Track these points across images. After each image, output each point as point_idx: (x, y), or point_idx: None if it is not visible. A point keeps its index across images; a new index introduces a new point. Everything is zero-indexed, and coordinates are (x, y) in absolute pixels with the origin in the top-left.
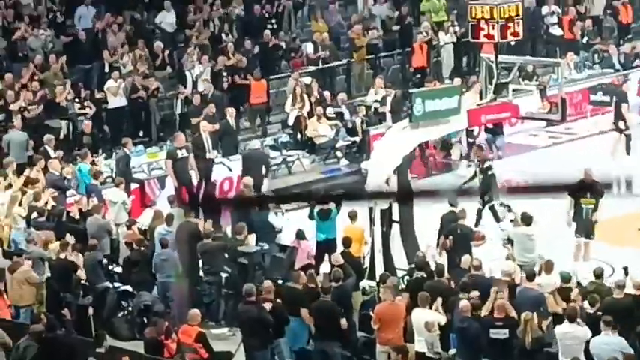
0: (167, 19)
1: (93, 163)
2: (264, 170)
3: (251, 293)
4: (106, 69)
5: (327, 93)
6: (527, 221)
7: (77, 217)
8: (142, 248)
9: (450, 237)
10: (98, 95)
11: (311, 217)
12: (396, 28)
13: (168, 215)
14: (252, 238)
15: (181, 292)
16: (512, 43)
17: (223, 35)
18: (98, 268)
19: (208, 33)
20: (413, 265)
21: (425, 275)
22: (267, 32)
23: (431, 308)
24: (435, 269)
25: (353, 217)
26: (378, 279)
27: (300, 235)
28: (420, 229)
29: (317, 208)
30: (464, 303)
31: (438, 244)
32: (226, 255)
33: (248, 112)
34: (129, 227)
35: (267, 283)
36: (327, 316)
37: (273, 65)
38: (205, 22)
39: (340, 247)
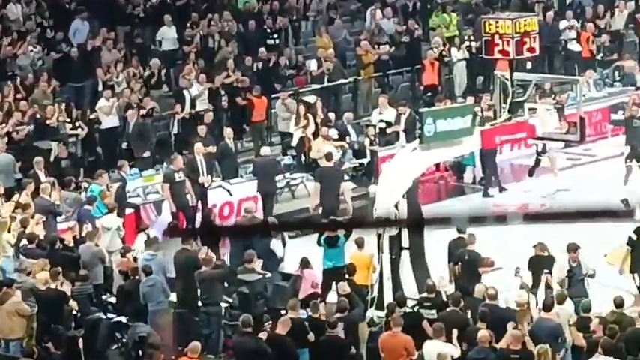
0: (167, 35)
1: (77, 186)
2: (276, 178)
3: (248, 324)
4: (100, 87)
5: (332, 113)
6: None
7: (71, 244)
8: (137, 277)
9: (459, 263)
10: (91, 116)
11: (319, 242)
12: (405, 42)
13: (151, 239)
14: (258, 266)
15: (168, 320)
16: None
17: (223, 52)
18: (88, 300)
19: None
20: (424, 295)
21: (430, 304)
22: (261, 50)
23: (449, 340)
24: (451, 298)
25: (360, 243)
26: (386, 309)
27: (304, 264)
28: (432, 255)
29: (324, 235)
30: (483, 333)
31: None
32: (226, 284)
33: (250, 131)
34: (123, 255)
35: (285, 318)
36: (333, 353)
37: (275, 83)
38: (203, 37)
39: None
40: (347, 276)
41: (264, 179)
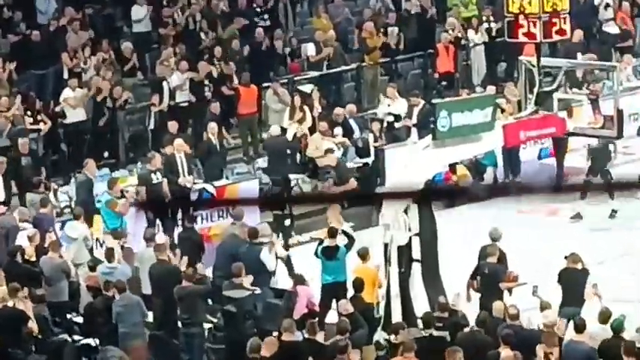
0: (141, 15)
1: (46, 187)
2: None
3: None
4: (65, 75)
5: (339, 108)
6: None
7: (33, 257)
8: (109, 293)
9: (478, 277)
10: (55, 108)
11: (316, 254)
12: (416, 23)
13: (107, 250)
14: (248, 281)
15: (144, 343)
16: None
17: (202, 35)
18: (51, 321)
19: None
20: (436, 314)
21: (442, 325)
22: (258, 30)
23: None
24: (476, 319)
25: (364, 255)
26: (392, 331)
27: (299, 280)
28: (447, 268)
29: (321, 246)
30: (508, 355)
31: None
32: (210, 301)
33: (238, 125)
34: (91, 268)
35: (270, 339)
36: None
37: (266, 70)
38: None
39: (351, 292)
40: (354, 292)
41: (276, 163)
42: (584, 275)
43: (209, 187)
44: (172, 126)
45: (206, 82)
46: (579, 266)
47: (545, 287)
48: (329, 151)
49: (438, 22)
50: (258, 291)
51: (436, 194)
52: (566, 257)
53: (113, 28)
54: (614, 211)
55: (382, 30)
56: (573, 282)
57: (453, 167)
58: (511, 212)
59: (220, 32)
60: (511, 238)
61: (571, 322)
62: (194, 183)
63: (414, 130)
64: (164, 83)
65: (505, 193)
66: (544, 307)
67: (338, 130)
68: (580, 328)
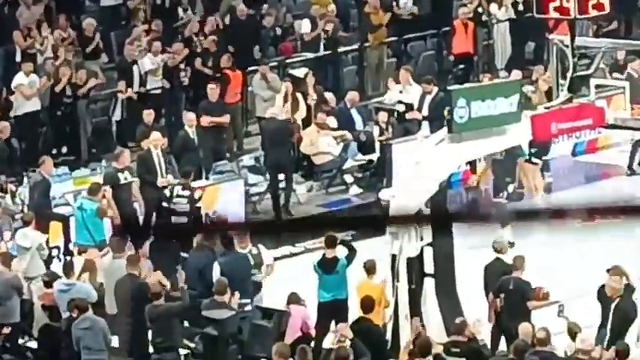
0: None
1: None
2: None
3: None
4: (17, 57)
5: (329, 93)
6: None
7: None
8: (69, 314)
9: (501, 295)
10: (9, 97)
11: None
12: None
13: (66, 263)
14: (235, 301)
15: None
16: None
17: (181, 11)
18: None
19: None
20: (453, 338)
21: (459, 351)
22: (240, 7)
23: None
24: (513, 348)
25: (370, 268)
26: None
27: (292, 297)
28: (465, 284)
29: (318, 258)
30: None
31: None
32: (186, 323)
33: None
34: (47, 283)
35: None
36: None
37: (252, 51)
38: None
39: (353, 312)
40: (362, 313)
41: (275, 148)
42: (629, 292)
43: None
44: (148, 115)
45: (182, 65)
46: (623, 281)
47: (575, 306)
48: (326, 153)
49: None
50: (247, 307)
51: (453, 219)
52: (608, 271)
53: (73, 2)
54: None
55: (389, 4)
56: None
57: (472, 165)
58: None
59: (200, 7)
60: (537, 247)
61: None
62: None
63: (424, 122)
64: (134, 67)
65: (536, 217)
66: (572, 329)
67: (332, 121)
68: (623, 353)
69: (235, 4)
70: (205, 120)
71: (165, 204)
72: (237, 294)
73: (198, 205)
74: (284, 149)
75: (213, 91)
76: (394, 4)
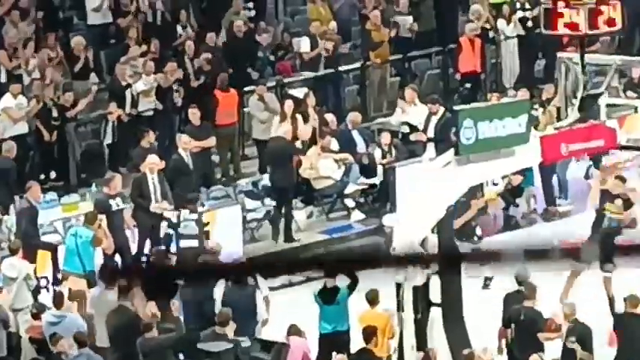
0: (96, 4)
1: None
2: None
3: None
4: (2, 78)
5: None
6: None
7: None
8: (56, 348)
9: (512, 325)
10: None
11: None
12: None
13: (56, 294)
14: (231, 330)
15: None
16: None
17: (179, 28)
18: None
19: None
20: None
21: None
22: (237, 23)
23: None
24: None
25: (372, 298)
26: None
27: (292, 329)
28: (472, 315)
29: (318, 288)
30: None
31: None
32: (181, 356)
33: (216, 138)
34: (35, 315)
35: None
36: None
37: (249, 70)
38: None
39: (355, 343)
40: (363, 344)
41: (276, 169)
42: None
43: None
44: (148, 137)
45: (175, 86)
46: None
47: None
48: (326, 177)
49: (461, 9)
50: (245, 343)
51: (463, 260)
52: (624, 300)
53: (61, 20)
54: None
55: (392, 20)
56: (633, 330)
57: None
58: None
59: (197, 22)
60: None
61: None
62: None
63: (430, 144)
64: (128, 88)
65: (551, 258)
66: None
67: (333, 144)
68: None
69: (241, 20)
70: (192, 144)
71: (171, 230)
72: (233, 325)
73: (206, 228)
74: (286, 171)
75: (194, 115)
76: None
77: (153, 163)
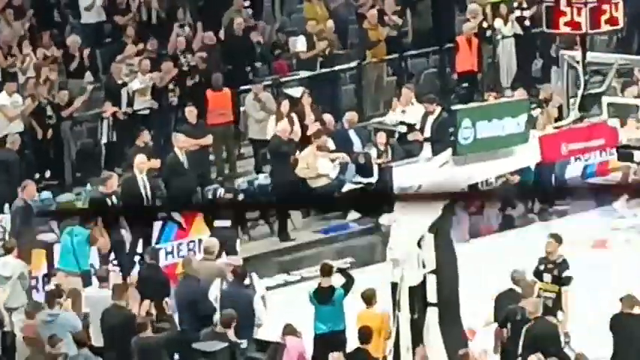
0: (90, 2)
1: None
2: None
3: None
4: None
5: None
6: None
7: None
8: (53, 349)
9: (508, 325)
10: None
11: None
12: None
13: (48, 293)
14: (232, 331)
15: None
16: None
17: (176, 27)
18: None
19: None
20: None
21: None
22: (237, 20)
23: None
24: None
25: (369, 298)
26: None
27: (288, 329)
28: (470, 313)
29: (313, 287)
30: None
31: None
32: (176, 356)
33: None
34: (29, 314)
35: None
36: None
37: (245, 70)
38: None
39: (350, 343)
40: (358, 344)
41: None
42: None
43: (175, 214)
44: (143, 136)
45: (171, 85)
46: (637, 311)
47: (586, 336)
48: (323, 175)
49: (458, 9)
50: (243, 344)
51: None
52: (621, 300)
53: (56, 18)
54: None
55: (388, 19)
56: (629, 330)
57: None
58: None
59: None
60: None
61: None
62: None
63: (426, 144)
64: (124, 87)
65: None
66: None
67: (329, 143)
68: None
69: (237, 18)
70: (189, 142)
71: None
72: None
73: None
74: (285, 169)
75: (191, 113)
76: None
77: (142, 163)
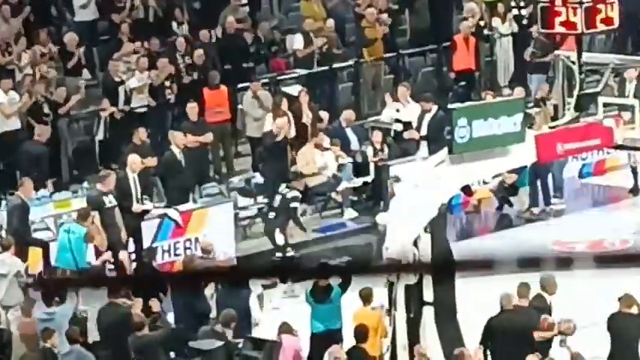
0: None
1: None
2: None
3: None
4: None
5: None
6: None
7: None
8: (48, 344)
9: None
10: None
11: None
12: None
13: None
14: (231, 331)
15: None
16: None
17: (175, 25)
18: None
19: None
20: None
21: None
22: (229, 19)
23: None
24: None
25: (366, 297)
26: None
27: (283, 329)
28: (465, 313)
29: (311, 286)
30: None
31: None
32: (172, 354)
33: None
34: (26, 312)
35: None
36: None
37: (243, 68)
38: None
39: (347, 342)
40: (355, 342)
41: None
42: None
43: (172, 212)
44: (140, 134)
45: (167, 83)
46: (634, 311)
47: (585, 336)
48: (322, 168)
49: (456, 7)
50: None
51: (456, 268)
52: (619, 300)
53: (53, 16)
54: None
55: (386, 17)
56: (626, 330)
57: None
58: (545, 242)
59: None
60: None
61: None
62: (154, 207)
63: (423, 142)
64: (119, 81)
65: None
66: None
67: (325, 141)
68: None
69: (235, 17)
70: (189, 139)
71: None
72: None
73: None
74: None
75: (192, 109)
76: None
77: (133, 163)
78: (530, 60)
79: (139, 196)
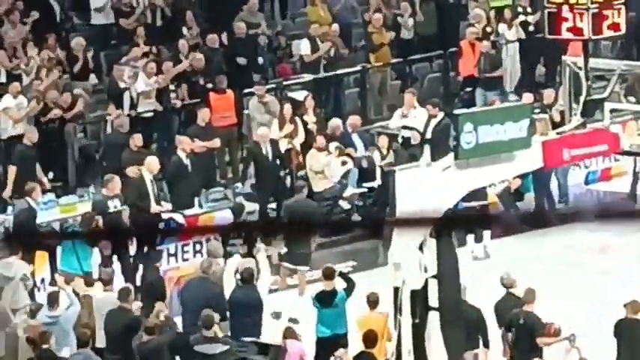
0: (98, 3)
1: None
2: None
3: None
4: (2, 78)
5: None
6: None
7: None
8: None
9: (512, 330)
10: None
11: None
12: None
13: (50, 294)
14: (218, 331)
15: None
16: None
17: (185, 30)
18: None
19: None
20: None
21: None
22: (239, 24)
23: None
24: None
25: (373, 301)
26: None
27: (288, 333)
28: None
29: (316, 291)
30: None
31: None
32: (178, 358)
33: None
34: (32, 314)
35: None
36: None
37: (249, 73)
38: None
39: (352, 347)
40: (363, 347)
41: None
42: None
43: (178, 217)
44: (136, 140)
45: (172, 87)
46: None
47: (592, 341)
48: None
49: (462, 13)
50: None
51: (460, 222)
52: (625, 305)
53: (61, 20)
54: None
55: (393, 23)
56: (633, 335)
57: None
58: (555, 247)
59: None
60: (552, 279)
61: None
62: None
63: (427, 148)
64: (124, 86)
65: (542, 222)
66: None
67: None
68: None
69: (249, 21)
70: (196, 144)
71: None
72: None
73: None
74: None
75: (204, 114)
76: (399, 19)
77: (151, 164)
78: None
79: (158, 199)
